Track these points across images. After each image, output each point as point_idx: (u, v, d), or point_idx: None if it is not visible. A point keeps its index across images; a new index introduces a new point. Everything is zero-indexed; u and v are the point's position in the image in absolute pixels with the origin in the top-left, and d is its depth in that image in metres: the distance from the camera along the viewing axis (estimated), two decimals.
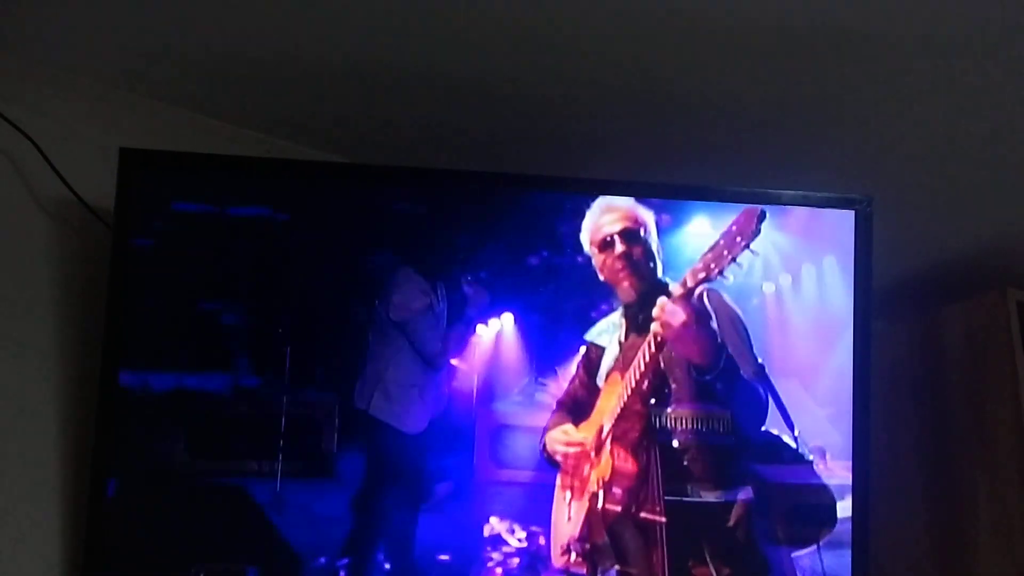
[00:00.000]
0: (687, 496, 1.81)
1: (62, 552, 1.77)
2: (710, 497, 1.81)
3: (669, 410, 1.82)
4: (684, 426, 1.83)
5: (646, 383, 1.82)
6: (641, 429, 1.82)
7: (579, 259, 1.89)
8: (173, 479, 1.82)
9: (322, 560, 1.81)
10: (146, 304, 1.82)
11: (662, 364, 1.82)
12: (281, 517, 1.83)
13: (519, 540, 1.83)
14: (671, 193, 1.93)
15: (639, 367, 1.83)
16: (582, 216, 1.89)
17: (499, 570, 1.83)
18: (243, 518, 1.81)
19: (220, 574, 1.77)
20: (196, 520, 1.80)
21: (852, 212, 1.90)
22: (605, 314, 1.90)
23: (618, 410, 1.84)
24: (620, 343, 1.88)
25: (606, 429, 1.85)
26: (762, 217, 1.73)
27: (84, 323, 1.83)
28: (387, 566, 1.84)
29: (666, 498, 1.79)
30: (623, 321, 1.88)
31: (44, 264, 1.84)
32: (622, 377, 1.85)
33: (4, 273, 1.81)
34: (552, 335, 1.92)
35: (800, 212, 1.91)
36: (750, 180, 1.97)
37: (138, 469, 1.80)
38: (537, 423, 1.91)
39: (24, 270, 1.82)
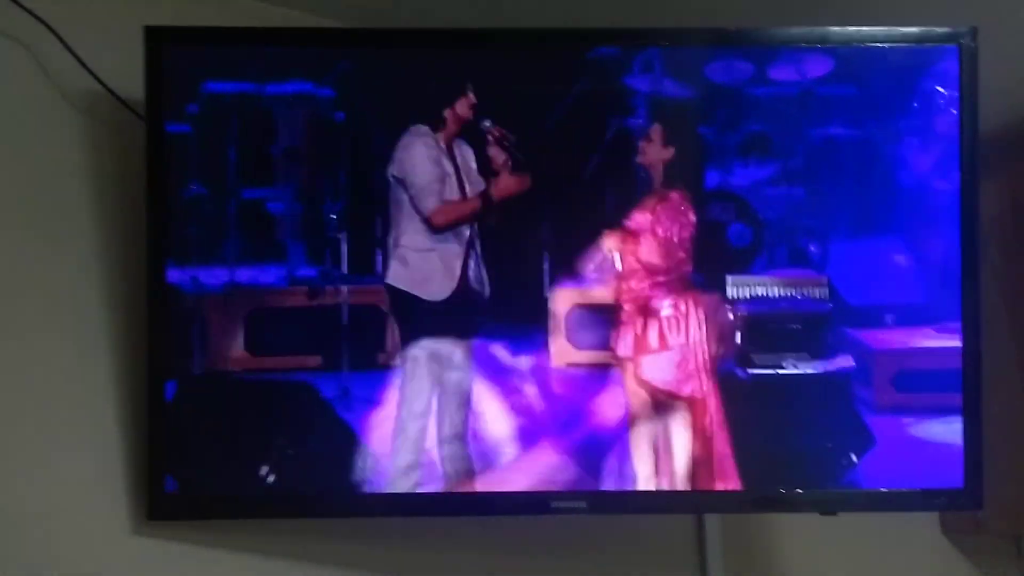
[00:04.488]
0: None
1: (123, 459, 1.76)
2: None
3: None
4: None
5: None
6: None
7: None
8: (233, 378, 1.79)
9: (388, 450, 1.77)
10: (188, 195, 1.78)
11: None
12: (348, 412, 1.80)
13: None
14: (754, 39, 1.84)
15: None
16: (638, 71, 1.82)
17: None
18: (310, 414, 1.79)
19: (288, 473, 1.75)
20: (260, 419, 1.78)
21: (955, 47, 1.80)
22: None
23: None
24: None
25: None
26: None
27: (125, 220, 1.80)
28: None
29: None
30: None
31: (78, 161, 1.79)
32: None
33: (37, 174, 1.75)
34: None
35: (896, 51, 1.82)
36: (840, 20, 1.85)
37: (196, 370, 1.78)
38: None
39: (57, 169, 1.77)
